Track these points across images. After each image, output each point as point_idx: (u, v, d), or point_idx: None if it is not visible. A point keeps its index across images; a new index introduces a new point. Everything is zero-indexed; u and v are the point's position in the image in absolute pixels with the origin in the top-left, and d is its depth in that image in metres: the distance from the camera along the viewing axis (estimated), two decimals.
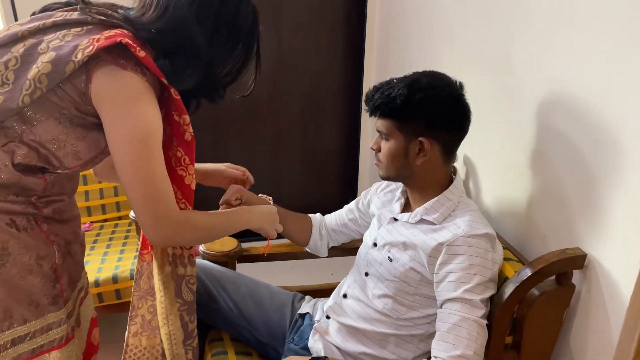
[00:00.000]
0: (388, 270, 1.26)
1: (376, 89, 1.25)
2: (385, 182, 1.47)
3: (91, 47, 0.93)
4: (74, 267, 1.16)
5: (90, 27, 1.00)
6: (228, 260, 1.57)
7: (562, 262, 1.09)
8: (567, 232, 1.17)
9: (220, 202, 1.37)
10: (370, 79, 2.61)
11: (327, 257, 1.60)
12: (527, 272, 1.10)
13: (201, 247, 1.57)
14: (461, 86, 1.23)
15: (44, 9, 1.05)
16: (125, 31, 1.00)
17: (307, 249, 1.58)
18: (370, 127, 2.68)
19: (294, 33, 2.60)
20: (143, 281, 1.27)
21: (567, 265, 1.09)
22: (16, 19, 2.19)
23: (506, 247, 1.30)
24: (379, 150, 1.27)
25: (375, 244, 1.33)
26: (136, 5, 1.06)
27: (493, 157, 1.46)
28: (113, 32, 0.97)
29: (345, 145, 2.85)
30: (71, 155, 1.02)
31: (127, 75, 0.96)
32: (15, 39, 0.98)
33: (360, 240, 1.45)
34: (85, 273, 1.28)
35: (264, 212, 1.28)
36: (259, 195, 1.48)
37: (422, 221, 1.24)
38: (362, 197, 1.53)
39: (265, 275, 1.66)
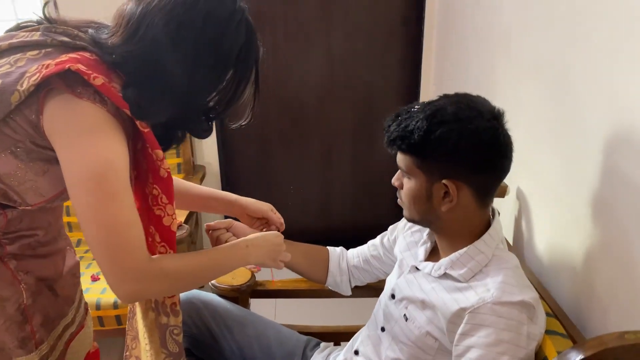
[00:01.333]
0: (403, 331, 1.06)
1: (394, 117, 1.05)
2: None
3: (37, 74, 0.82)
4: (54, 304, 1.07)
5: (49, 49, 0.89)
6: (239, 295, 1.42)
7: (621, 350, 0.82)
8: (634, 306, 0.90)
9: (205, 225, 1.22)
10: (428, 88, 2.38)
11: (350, 296, 1.41)
12: (573, 357, 0.85)
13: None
14: (498, 115, 0.99)
15: (11, 30, 0.95)
16: (87, 54, 0.88)
17: (328, 286, 1.39)
18: None
19: (346, 39, 2.42)
20: (135, 321, 1.16)
21: (627, 355, 0.83)
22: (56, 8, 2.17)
23: (554, 312, 1.04)
24: (401, 187, 1.07)
25: (393, 296, 1.13)
26: (111, 25, 0.93)
27: (548, 193, 1.20)
28: (67, 56, 0.85)
29: None
30: (32, 191, 0.92)
31: (82, 105, 0.83)
32: None
33: None
34: (84, 304, 1.18)
35: (264, 245, 1.08)
36: (264, 229, 1.29)
37: (446, 276, 1.02)
38: (389, 232, 1.33)
39: (283, 313, 1.50)
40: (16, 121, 0.85)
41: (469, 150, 0.96)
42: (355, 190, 2.70)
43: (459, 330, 0.93)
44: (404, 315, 1.06)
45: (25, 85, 0.82)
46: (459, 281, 0.99)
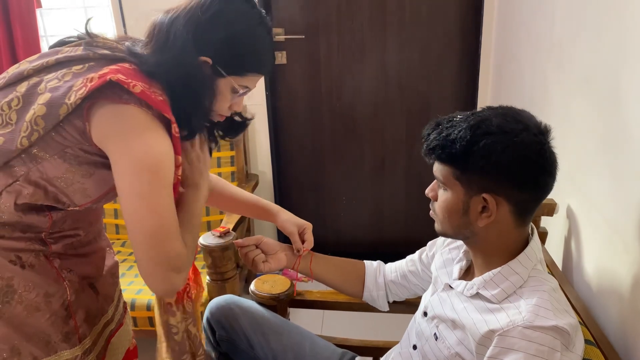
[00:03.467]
0: (432, 350, 1.03)
1: (435, 125, 1.01)
2: None
3: (84, 88, 0.89)
4: (95, 302, 1.13)
5: (92, 63, 0.95)
6: (277, 304, 1.44)
7: None
8: None
9: (234, 242, 1.26)
10: (485, 101, 2.30)
11: (391, 311, 1.39)
12: None
13: (251, 287, 1.46)
14: (545, 131, 0.94)
15: (56, 45, 1.02)
16: (127, 65, 0.93)
17: (365, 301, 1.38)
18: None
19: (400, 49, 2.40)
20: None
21: None
22: (125, 28, 2.31)
23: (596, 341, 0.97)
24: (435, 199, 1.04)
25: (425, 313, 1.10)
26: (145, 37, 0.99)
27: (597, 213, 1.13)
28: (108, 68, 0.91)
29: None
30: (79, 192, 0.98)
31: (130, 109, 0.89)
32: (21, 78, 0.96)
33: None
34: (122, 303, 1.24)
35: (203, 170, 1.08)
36: (295, 247, 1.29)
37: (478, 296, 0.98)
38: (428, 247, 1.29)
39: (326, 323, 1.50)
40: (65, 129, 0.92)
41: (513, 164, 0.91)
42: (408, 203, 2.66)
43: (488, 353, 0.89)
44: (435, 334, 1.03)
45: (72, 99, 0.88)
46: (491, 302, 0.95)
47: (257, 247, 1.26)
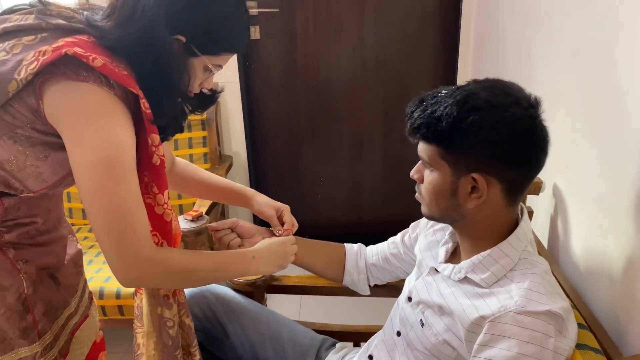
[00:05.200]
0: (418, 337, 0.98)
1: (418, 102, 0.94)
2: None
3: (35, 62, 0.80)
4: (56, 294, 1.05)
5: (45, 34, 0.86)
6: (254, 290, 1.37)
7: None
8: None
9: (208, 226, 1.18)
10: (466, 77, 2.24)
11: (372, 295, 1.34)
12: None
13: None
14: (535, 104, 0.88)
15: (4, 13, 0.92)
16: (85, 37, 0.85)
17: (345, 285, 1.32)
18: None
19: (378, 26, 2.32)
20: (143, 315, 1.13)
21: None
22: None
23: (588, 324, 0.94)
24: (420, 181, 0.98)
25: (410, 298, 1.05)
26: (105, 7, 0.90)
27: (586, 192, 1.09)
28: (63, 40, 0.82)
29: None
30: (33, 177, 0.90)
31: (88, 88, 0.81)
32: None
33: None
34: (88, 294, 1.17)
35: (269, 257, 1.06)
36: (275, 230, 1.21)
37: (466, 280, 0.93)
38: (411, 229, 1.24)
39: (304, 309, 1.44)
40: (15, 108, 0.83)
41: (503, 140, 0.86)
42: (387, 183, 2.61)
43: (478, 341, 0.85)
44: (420, 320, 0.98)
45: (22, 74, 0.80)
46: (480, 286, 0.90)
47: (232, 230, 1.19)
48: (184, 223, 1.47)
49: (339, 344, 1.28)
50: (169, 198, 0.95)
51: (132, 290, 1.65)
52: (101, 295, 1.68)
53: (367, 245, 1.32)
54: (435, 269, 1.02)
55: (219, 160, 2.29)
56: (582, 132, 1.10)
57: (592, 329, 0.92)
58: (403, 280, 1.29)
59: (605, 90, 1.02)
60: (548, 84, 1.28)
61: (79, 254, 1.14)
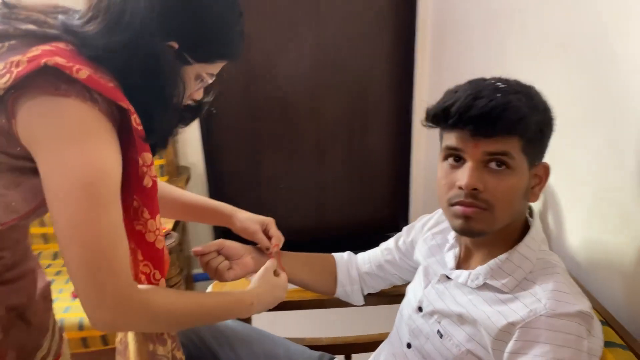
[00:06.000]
0: (437, 349, 0.93)
1: (469, 95, 0.82)
2: (434, 219, 1.12)
3: (7, 75, 0.69)
4: (28, 336, 0.92)
5: (13, 42, 0.75)
6: None
7: None
8: None
9: (192, 251, 1.07)
10: (424, 75, 2.25)
11: (364, 305, 1.28)
12: None
13: (209, 291, 1.29)
14: None
15: None
16: (62, 45, 0.74)
17: (338, 297, 1.26)
18: (425, 132, 2.31)
19: (334, 25, 2.27)
20: (129, 352, 1.01)
21: None
22: None
23: (606, 320, 0.93)
24: (482, 189, 0.83)
25: (420, 308, 1.00)
26: (83, 9, 0.78)
27: (583, 187, 1.09)
28: (39, 49, 0.71)
29: (396, 150, 2.50)
30: (2, 208, 0.78)
31: (69, 104, 0.70)
32: None
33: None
34: (58, 330, 1.03)
35: (269, 300, 0.99)
36: (263, 246, 1.14)
37: (485, 286, 0.89)
38: (405, 233, 1.20)
39: (292, 327, 1.37)
40: None
41: (551, 129, 0.87)
42: (349, 187, 2.57)
43: (509, 349, 0.81)
44: (438, 331, 0.94)
45: None
46: (501, 292, 0.87)
47: (219, 253, 1.09)
48: None
49: (336, 358, 1.22)
50: (160, 223, 0.85)
51: None
52: (81, 327, 1.53)
53: (333, 251, 1.25)
54: (447, 276, 0.98)
55: (177, 173, 2.16)
56: (573, 125, 1.09)
57: (611, 325, 0.91)
58: (395, 287, 1.25)
59: (596, 81, 1.02)
60: (528, 79, 1.27)
61: (48, 287, 1.01)
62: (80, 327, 1.52)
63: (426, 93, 2.26)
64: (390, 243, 1.22)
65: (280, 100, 2.38)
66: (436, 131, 0.92)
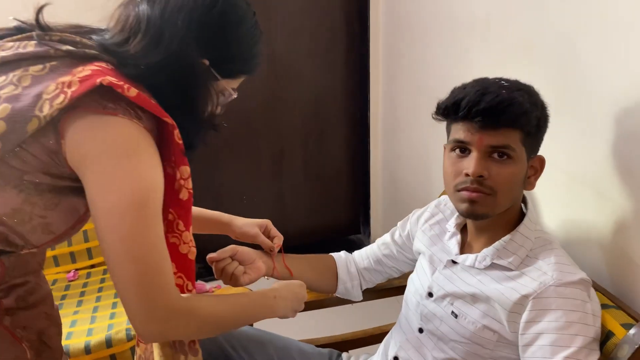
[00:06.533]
0: (453, 329, 1.01)
1: (478, 91, 0.93)
2: (428, 212, 1.21)
3: (62, 96, 0.70)
4: (53, 359, 0.90)
5: (54, 63, 0.76)
6: None
7: None
8: None
9: (207, 258, 1.09)
10: (377, 84, 2.36)
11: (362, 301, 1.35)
12: None
13: None
14: None
15: None
16: (104, 64, 0.75)
17: (338, 295, 1.32)
18: (380, 136, 2.43)
19: (287, 38, 2.34)
20: None
21: None
22: None
23: (594, 287, 1.05)
24: (486, 176, 0.93)
25: (430, 294, 1.08)
26: (112, 26, 0.81)
27: (558, 172, 1.21)
28: (87, 69, 0.73)
29: (354, 155, 2.59)
30: (40, 229, 0.77)
31: (117, 122, 0.72)
32: None
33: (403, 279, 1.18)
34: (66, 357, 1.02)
35: (289, 297, 1.02)
36: (266, 247, 1.19)
37: (492, 266, 0.99)
38: (400, 227, 1.28)
39: (292, 328, 1.40)
40: (28, 151, 0.72)
41: (547, 125, 0.99)
42: (310, 194, 2.63)
43: (524, 319, 0.91)
44: (452, 312, 1.02)
45: (46, 110, 0.69)
46: (509, 269, 0.97)
47: (232, 258, 1.12)
48: None
49: (344, 354, 1.28)
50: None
51: (124, 333, 1.49)
52: (88, 350, 1.46)
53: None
54: (453, 261, 1.06)
55: None
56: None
57: (599, 291, 1.03)
58: (388, 281, 1.33)
59: (567, 81, 1.15)
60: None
61: (57, 311, 1.00)
62: (87, 350, 1.46)
63: (381, 99, 2.37)
64: (386, 238, 1.30)
65: (237, 112, 2.40)
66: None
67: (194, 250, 0.88)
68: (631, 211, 1.02)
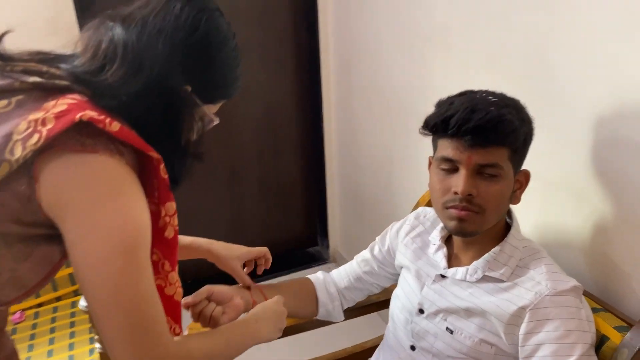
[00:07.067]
0: (449, 345, 1.00)
1: (469, 106, 0.91)
2: (408, 225, 1.19)
3: (36, 135, 0.62)
4: None
5: (20, 97, 0.68)
6: None
7: None
8: None
9: (183, 303, 1.01)
10: (329, 94, 2.35)
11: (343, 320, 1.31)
12: None
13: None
14: None
15: None
16: (77, 96, 0.68)
17: (319, 318, 1.27)
18: (336, 146, 2.41)
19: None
20: None
21: None
22: None
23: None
24: (475, 194, 0.92)
25: (422, 310, 1.06)
26: (80, 52, 0.73)
27: (533, 180, 1.23)
28: (62, 102, 0.65)
29: (309, 169, 2.56)
30: (10, 284, 0.69)
31: (98, 160, 0.65)
32: None
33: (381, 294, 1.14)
34: None
35: (270, 316, 0.97)
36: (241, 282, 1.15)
37: (484, 278, 0.98)
38: (379, 242, 1.26)
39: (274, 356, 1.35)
40: None
41: (532, 139, 0.99)
42: (267, 209, 2.58)
43: (522, 330, 0.90)
44: (447, 328, 1.00)
45: (18, 152, 0.61)
46: (501, 281, 0.96)
47: (209, 300, 1.04)
48: None
49: None
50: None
51: None
52: None
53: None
54: (442, 275, 1.05)
55: None
56: None
57: (586, 296, 1.05)
58: (368, 297, 1.30)
59: (537, 90, 1.17)
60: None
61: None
62: None
63: (334, 108, 2.35)
64: (365, 254, 1.27)
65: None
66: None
67: (180, 290, 0.82)
68: (609, 213, 1.05)
